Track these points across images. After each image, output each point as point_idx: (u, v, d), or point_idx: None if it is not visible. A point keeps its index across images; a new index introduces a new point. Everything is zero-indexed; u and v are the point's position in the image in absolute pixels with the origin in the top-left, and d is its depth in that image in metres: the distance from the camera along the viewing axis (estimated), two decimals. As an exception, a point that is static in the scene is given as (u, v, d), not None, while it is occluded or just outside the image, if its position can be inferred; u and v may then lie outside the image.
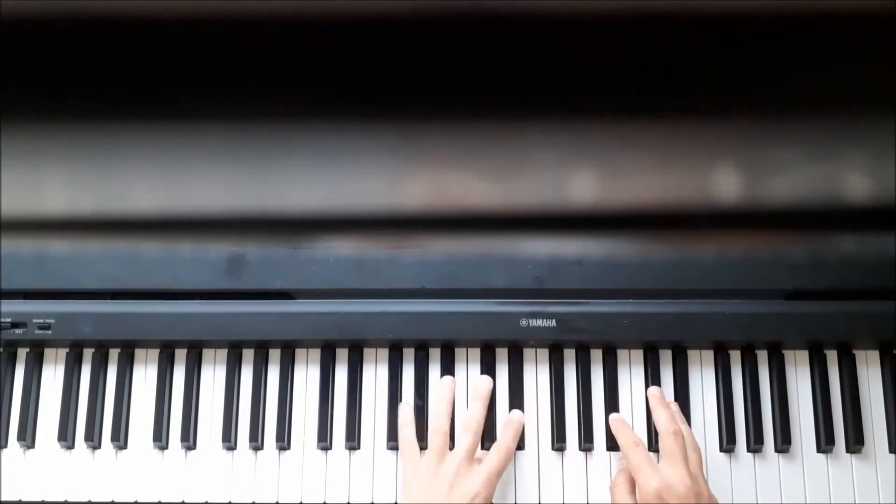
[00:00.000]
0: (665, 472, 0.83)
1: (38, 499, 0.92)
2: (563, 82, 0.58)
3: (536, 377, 0.94)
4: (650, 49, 0.54)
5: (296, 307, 0.94)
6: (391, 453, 0.92)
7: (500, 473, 0.87)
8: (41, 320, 0.94)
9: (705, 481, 0.85)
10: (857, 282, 0.92)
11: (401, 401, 0.93)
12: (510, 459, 0.89)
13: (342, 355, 0.95)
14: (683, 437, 0.87)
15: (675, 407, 0.92)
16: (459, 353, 0.95)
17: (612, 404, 0.92)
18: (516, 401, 0.93)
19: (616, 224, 0.87)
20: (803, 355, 0.94)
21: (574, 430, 0.92)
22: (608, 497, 0.90)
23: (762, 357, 0.94)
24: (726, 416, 0.92)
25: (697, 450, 0.88)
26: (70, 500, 0.92)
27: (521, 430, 0.91)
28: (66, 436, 0.93)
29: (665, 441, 0.86)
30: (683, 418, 0.91)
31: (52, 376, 0.96)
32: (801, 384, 0.93)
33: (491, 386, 0.92)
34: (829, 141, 0.70)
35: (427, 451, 0.88)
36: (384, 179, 0.78)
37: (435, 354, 0.95)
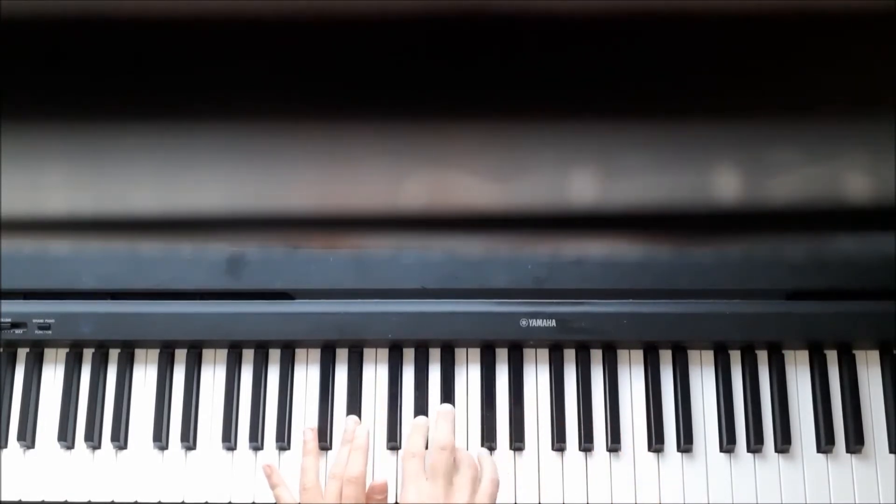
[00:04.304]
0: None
1: (38, 499, 0.92)
2: (563, 82, 0.58)
3: (536, 377, 0.94)
4: (651, 49, 0.54)
5: (295, 307, 0.94)
6: (391, 453, 0.92)
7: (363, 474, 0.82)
8: (41, 320, 0.94)
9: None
10: (857, 282, 0.92)
11: (401, 401, 0.93)
12: (364, 458, 0.83)
13: (342, 355, 0.95)
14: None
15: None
16: (459, 353, 0.95)
17: (612, 404, 0.92)
18: (516, 401, 0.93)
19: (616, 224, 0.87)
20: (803, 355, 0.94)
21: (574, 430, 0.92)
22: (608, 497, 0.90)
23: (762, 357, 0.94)
24: (726, 416, 0.92)
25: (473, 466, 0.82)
26: (70, 500, 0.92)
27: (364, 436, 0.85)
28: (66, 436, 0.93)
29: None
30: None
31: (52, 376, 0.96)
32: (801, 384, 0.93)
33: (366, 432, 0.85)
34: (829, 141, 0.70)
35: None
36: (384, 179, 0.78)
37: (435, 354, 0.95)
